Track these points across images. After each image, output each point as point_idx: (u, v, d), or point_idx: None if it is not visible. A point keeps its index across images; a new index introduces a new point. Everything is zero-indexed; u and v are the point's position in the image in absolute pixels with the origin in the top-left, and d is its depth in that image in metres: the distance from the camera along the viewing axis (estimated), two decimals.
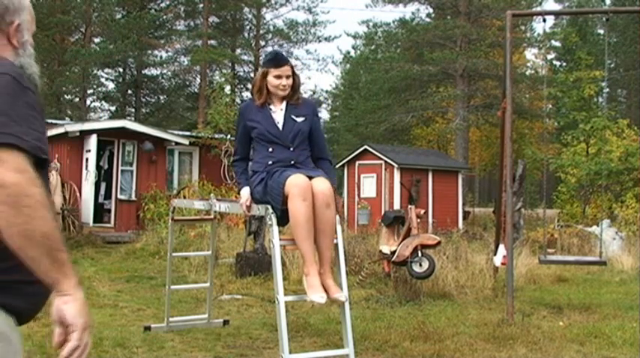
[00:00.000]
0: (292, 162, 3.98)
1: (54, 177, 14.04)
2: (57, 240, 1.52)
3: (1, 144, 1.44)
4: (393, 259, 7.93)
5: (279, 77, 3.99)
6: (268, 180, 3.94)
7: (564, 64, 34.93)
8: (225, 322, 5.98)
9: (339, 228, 4.02)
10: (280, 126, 4.03)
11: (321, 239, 3.83)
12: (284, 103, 4.08)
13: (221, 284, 8.07)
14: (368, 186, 19.19)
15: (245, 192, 4.13)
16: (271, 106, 4.10)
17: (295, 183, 3.76)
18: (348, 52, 43.95)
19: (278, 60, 4.04)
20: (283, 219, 3.92)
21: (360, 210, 18.60)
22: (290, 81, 4.02)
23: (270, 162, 3.97)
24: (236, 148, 4.35)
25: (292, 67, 4.07)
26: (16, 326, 1.68)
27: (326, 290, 3.75)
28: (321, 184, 3.83)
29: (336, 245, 4.21)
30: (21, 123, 1.55)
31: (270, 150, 4.00)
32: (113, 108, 35.39)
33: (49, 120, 18.83)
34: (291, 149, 4.00)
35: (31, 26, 1.78)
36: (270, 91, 4.05)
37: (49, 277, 1.60)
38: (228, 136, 15.30)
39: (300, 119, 4.06)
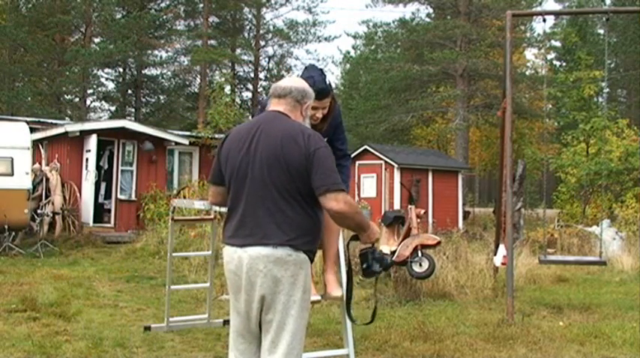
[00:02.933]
0: None
1: (54, 177, 14.04)
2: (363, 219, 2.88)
3: (339, 189, 2.78)
4: (393, 259, 7.93)
5: (315, 109, 3.58)
6: None
7: (564, 64, 34.93)
8: (225, 322, 5.96)
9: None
10: None
11: (326, 235, 3.72)
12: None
13: (221, 284, 8.07)
14: (368, 186, 19.19)
15: None
16: None
17: None
18: (348, 52, 43.96)
19: (322, 95, 3.57)
20: None
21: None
22: (325, 111, 3.71)
23: None
24: None
25: (333, 97, 3.71)
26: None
27: (325, 285, 3.69)
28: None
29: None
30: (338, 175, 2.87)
31: None
32: (113, 108, 35.40)
33: (49, 121, 18.84)
34: None
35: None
36: None
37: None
38: None
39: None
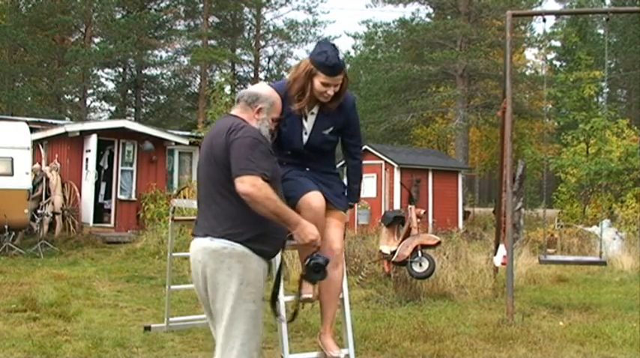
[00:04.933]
0: (307, 168, 3.57)
1: (54, 177, 14.04)
2: (283, 211, 2.89)
3: (246, 173, 2.83)
4: (393, 259, 7.93)
5: (326, 85, 3.36)
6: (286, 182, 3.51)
7: (564, 64, 34.91)
8: None
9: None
10: (305, 140, 3.52)
11: (325, 297, 3.51)
12: (317, 107, 3.50)
13: None
14: (368, 186, 19.19)
15: None
16: (305, 113, 3.53)
17: (309, 205, 3.36)
18: (348, 52, 43.92)
19: (335, 70, 3.33)
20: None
21: (360, 210, 18.60)
22: (337, 89, 3.41)
23: (284, 163, 3.48)
24: None
25: (345, 73, 3.44)
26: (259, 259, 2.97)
27: (323, 348, 3.52)
28: (332, 235, 3.46)
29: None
30: (253, 161, 2.86)
31: (289, 153, 3.56)
32: (113, 108, 35.41)
33: (49, 121, 18.85)
34: (309, 158, 3.58)
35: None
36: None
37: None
38: None
39: (328, 131, 3.54)
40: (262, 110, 3.10)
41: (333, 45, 3.36)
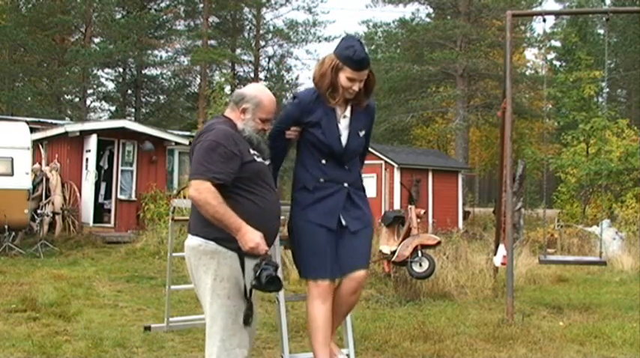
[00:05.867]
0: (346, 184, 3.40)
1: (54, 177, 14.04)
2: (221, 216, 2.89)
3: (194, 177, 2.93)
4: (393, 259, 7.93)
5: (352, 80, 3.26)
6: (300, 221, 3.37)
7: (564, 64, 34.89)
8: None
9: None
10: (344, 141, 3.36)
11: (336, 311, 3.45)
12: (349, 108, 3.37)
13: None
14: (368, 186, 18.99)
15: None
16: (337, 110, 3.38)
17: (317, 281, 3.31)
18: None
19: (361, 65, 3.23)
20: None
21: None
22: (362, 85, 3.31)
23: (322, 180, 3.35)
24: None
25: (371, 71, 3.33)
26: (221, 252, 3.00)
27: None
28: (359, 266, 3.37)
29: None
30: (205, 165, 2.93)
31: (324, 162, 3.36)
32: (113, 108, 35.40)
33: (49, 121, 18.85)
34: (347, 168, 3.42)
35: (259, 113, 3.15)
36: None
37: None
38: None
39: (362, 133, 3.43)
40: (247, 110, 3.12)
41: (359, 40, 3.33)
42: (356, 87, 3.27)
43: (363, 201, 3.51)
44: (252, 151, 3.10)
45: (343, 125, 3.37)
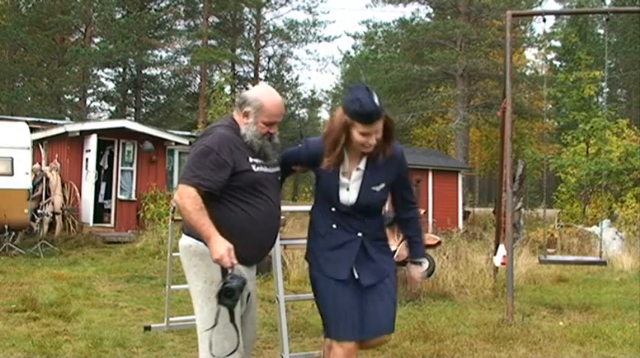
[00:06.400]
0: (359, 234, 3.09)
1: (54, 177, 14.04)
2: (195, 223, 2.84)
3: (181, 182, 2.93)
4: (393, 259, 7.92)
5: (366, 135, 2.95)
6: (315, 271, 3.15)
7: (564, 64, 34.91)
8: None
9: None
10: (354, 198, 3.06)
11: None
12: (363, 161, 3.06)
13: None
14: None
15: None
16: (343, 169, 3.07)
17: (342, 343, 3.04)
18: (348, 52, 43.92)
19: (371, 118, 2.92)
20: None
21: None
22: (379, 136, 2.99)
23: (334, 226, 3.11)
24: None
25: (386, 116, 3.00)
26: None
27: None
28: (383, 330, 3.14)
29: None
30: (193, 170, 2.91)
31: (333, 210, 3.11)
32: (113, 108, 35.40)
33: (49, 121, 18.84)
34: (359, 218, 3.10)
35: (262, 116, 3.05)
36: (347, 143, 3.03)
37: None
38: None
39: (379, 187, 3.09)
40: (249, 114, 3.02)
41: (367, 88, 2.98)
42: (372, 140, 2.96)
43: (381, 252, 3.18)
44: (251, 159, 2.98)
45: (354, 183, 3.06)
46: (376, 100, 2.93)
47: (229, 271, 2.74)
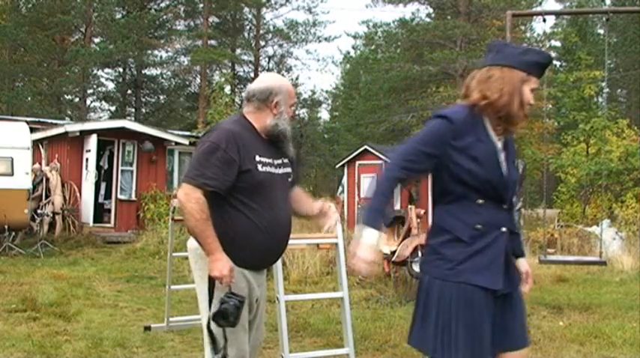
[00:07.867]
0: (504, 228, 2.51)
1: (54, 177, 14.04)
2: (199, 234, 2.73)
3: (185, 180, 2.75)
4: (393, 259, 7.93)
5: (533, 91, 2.56)
6: (452, 281, 2.45)
7: (564, 64, 34.91)
8: None
9: (339, 227, 3.86)
10: (505, 173, 2.52)
11: None
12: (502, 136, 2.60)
13: None
14: (368, 186, 19.16)
15: (370, 239, 2.62)
16: (493, 135, 2.57)
17: None
18: (348, 52, 43.94)
19: (549, 65, 2.59)
20: None
21: (360, 210, 18.60)
22: None
23: (478, 226, 2.47)
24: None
25: None
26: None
27: None
28: (521, 344, 2.60)
29: (336, 245, 4.22)
30: (199, 168, 2.74)
31: (480, 202, 2.50)
32: (113, 108, 35.39)
33: (49, 121, 18.84)
34: (505, 207, 2.55)
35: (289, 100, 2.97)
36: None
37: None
38: None
39: (516, 164, 2.72)
40: (279, 103, 2.90)
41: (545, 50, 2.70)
42: (532, 99, 2.57)
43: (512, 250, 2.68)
44: (258, 158, 2.80)
45: (501, 153, 2.56)
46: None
47: (228, 289, 2.68)
